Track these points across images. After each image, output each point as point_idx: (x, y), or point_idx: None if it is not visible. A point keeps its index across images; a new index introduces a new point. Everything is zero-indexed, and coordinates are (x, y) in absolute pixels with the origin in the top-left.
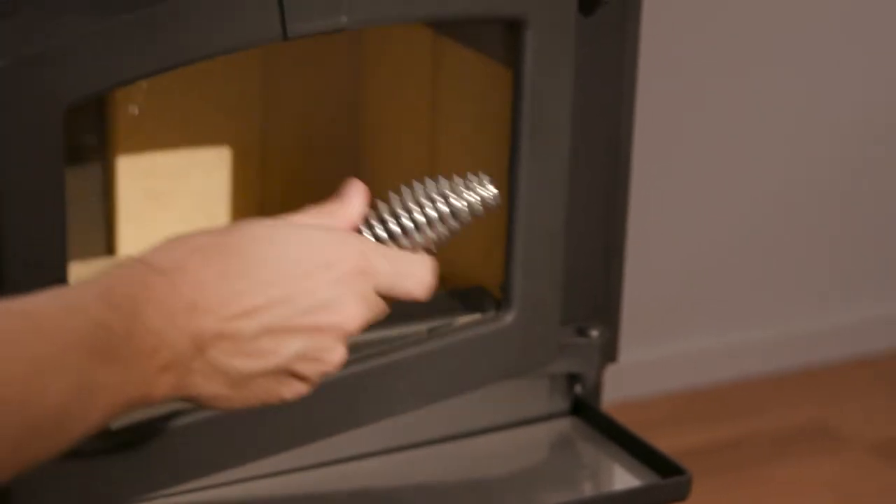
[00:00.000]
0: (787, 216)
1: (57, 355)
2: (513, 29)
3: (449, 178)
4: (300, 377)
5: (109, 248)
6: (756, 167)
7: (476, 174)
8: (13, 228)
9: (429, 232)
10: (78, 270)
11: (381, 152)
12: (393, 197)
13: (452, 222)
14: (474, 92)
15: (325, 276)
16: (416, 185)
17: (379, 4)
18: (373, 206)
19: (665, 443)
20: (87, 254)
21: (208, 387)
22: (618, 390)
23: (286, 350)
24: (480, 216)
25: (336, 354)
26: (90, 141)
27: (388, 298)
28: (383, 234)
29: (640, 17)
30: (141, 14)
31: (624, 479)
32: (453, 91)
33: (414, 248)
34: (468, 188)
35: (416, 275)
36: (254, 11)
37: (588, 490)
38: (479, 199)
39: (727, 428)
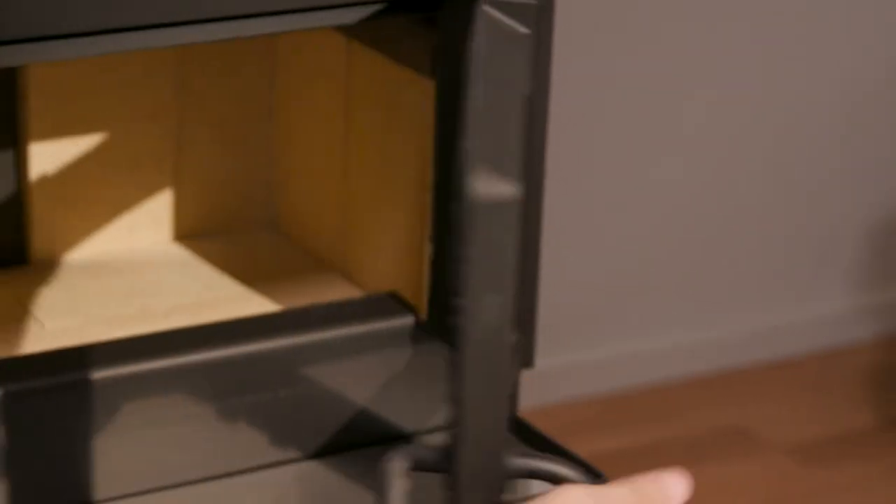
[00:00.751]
0: (702, 222)
1: None
2: (426, 32)
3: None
4: None
5: (21, 255)
6: (670, 173)
7: None
8: None
9: None
10: None
11: (295, 157)
12: None
13: None
14: (387, 97)
15: None
16: None
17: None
18: None
19: (583, 448)
20: None
21: None
22: (535, 396)
23: None
24: None
25: None
26: (1, 147)
27: None
28: None
29: (552, 31)
30: None
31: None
32: (366, 96)
33: None
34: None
35: None
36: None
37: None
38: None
39: (645, 432)
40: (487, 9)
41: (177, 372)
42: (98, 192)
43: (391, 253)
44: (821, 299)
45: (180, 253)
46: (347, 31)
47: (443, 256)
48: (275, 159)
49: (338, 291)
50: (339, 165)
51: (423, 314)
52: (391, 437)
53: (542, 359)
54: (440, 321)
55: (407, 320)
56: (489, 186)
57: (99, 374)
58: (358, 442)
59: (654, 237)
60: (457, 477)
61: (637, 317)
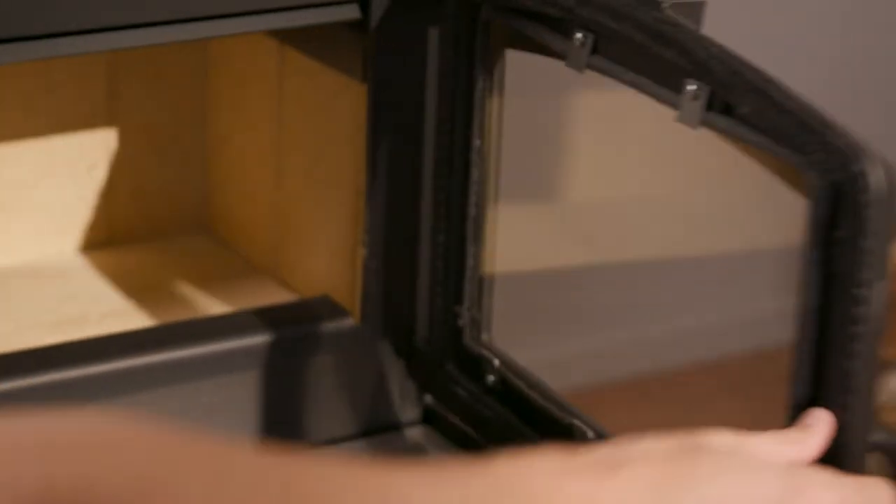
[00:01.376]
0: (627, 223)
1: None
2: (358, 36)
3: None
4: None
5: None
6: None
7: None
8: None
9: None
10: None
11: (228, 162)
12: None
13: None
14: (319, 102)
15: None
16: None
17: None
18: None
19: None
20: None
21: None
22: None
23: None
24: None
25: None
26: None
27: None
28: None
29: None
30: None
31: None
32: (298, 101)
33: None
34: None
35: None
36: None
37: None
38: None
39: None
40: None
41: (111, 377)
42: (30, 198)
43: (324, 257)
44: (754, 298)
45: (113, 258)
46: (279, 35)
47: (378, 260)
48: (207, 164)
49: (272, 295)
50: (271, 170)
51: (357, 317)
52: (326, 441)
53: None
54: (375, 323)
55: (341, 323)
56: (881, 177)
57: (30, 381)
58: (293, 445)
59: (578, 241)
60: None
61: (560, 319)
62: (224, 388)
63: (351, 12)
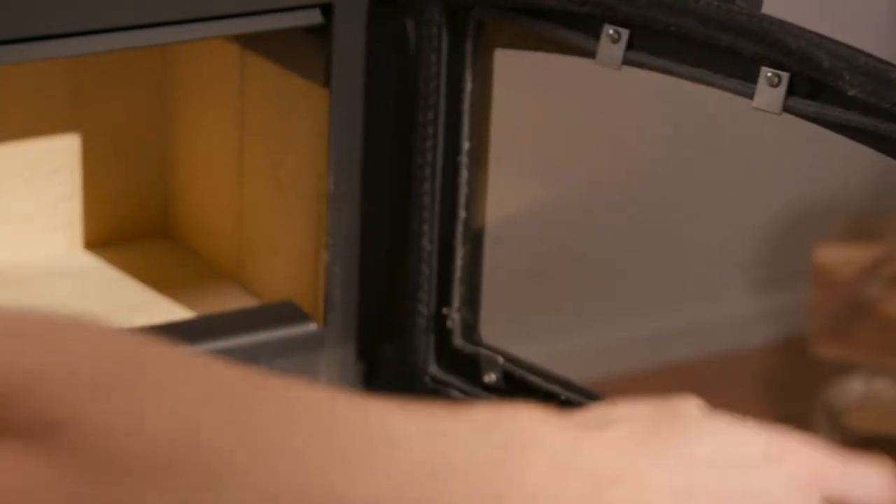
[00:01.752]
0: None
1: None
2: (319, 41)
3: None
4: None
5: None
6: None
7: None
8: None
9: None
10: None
11: (190, 166)
12: None
13: None
14: (281, 107)
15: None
16: None
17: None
18: None
19: None
20: None
21: None
22: None
23: None
24: None
25: None
26: None
27: None
28: None
29: None
30: None
31: None
32: (260, 106)
33: None
34: None
35: (873, 478)
36: None
37: None
38: None
39: None
40: None
41: None
42: None
43: (287, 262)
44: (714, 303)
45: (76, 263)
46: (241, 40)
47: (341, 265)
48: (170, 168)
49: (234, 300)
50: (234, 174)
51: (320, 322)
52: None
53: None
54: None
55: (303, 329)
56: None
57: None
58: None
59: (549, 243)
60: None
61: (537, 322)
62: None
63: (312, 17)
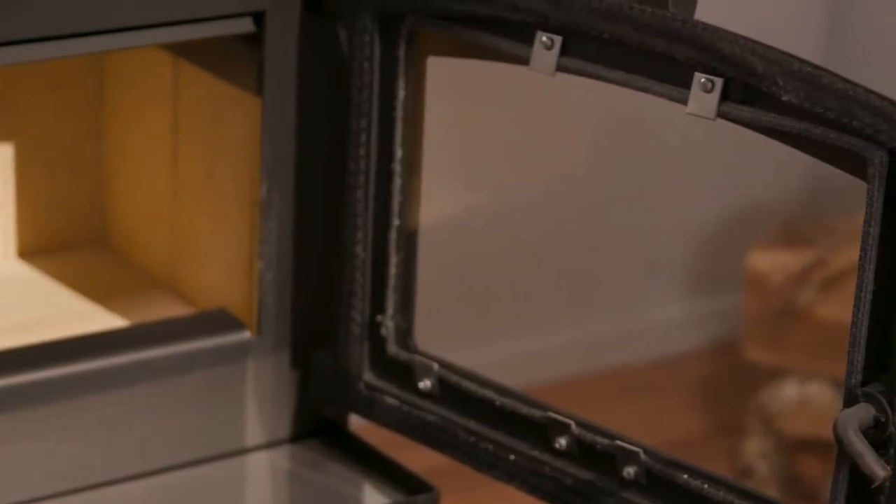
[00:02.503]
0: (534, 233)
1: None
2: (252, 50)
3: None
4: None
5: None
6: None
7: None
8: None
9: None
10: None
11: (125, 175)
12: None
13: None
14: (214, 115)
15: None
16: None
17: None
18: None
19: (418, 462)
20: None
21: None
22: None
23: None
24: None
25: None
26: None
27: None
28: None
29: None
30: None
31: (373, 498)
32: (194, 114)
33: None
34: None
35: None
36: None
37: None
38: None
39: None
40: None
41: (8, 391)
42: None
43: (221, 269)
44: (647, 308)
45: (10, 272)
46: (174, 48)
47: (275, 273)
48: (104, 177)
49: (168, 309)
50: (168, 183)
51: (254, 330)
52: (224, 454)
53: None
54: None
55: (237, 336)
56: None
57: None
58: (192, 458)
59: (482, 250)
60: None
61: (469, 329)
62: (120, 401)
63: (245, 25)
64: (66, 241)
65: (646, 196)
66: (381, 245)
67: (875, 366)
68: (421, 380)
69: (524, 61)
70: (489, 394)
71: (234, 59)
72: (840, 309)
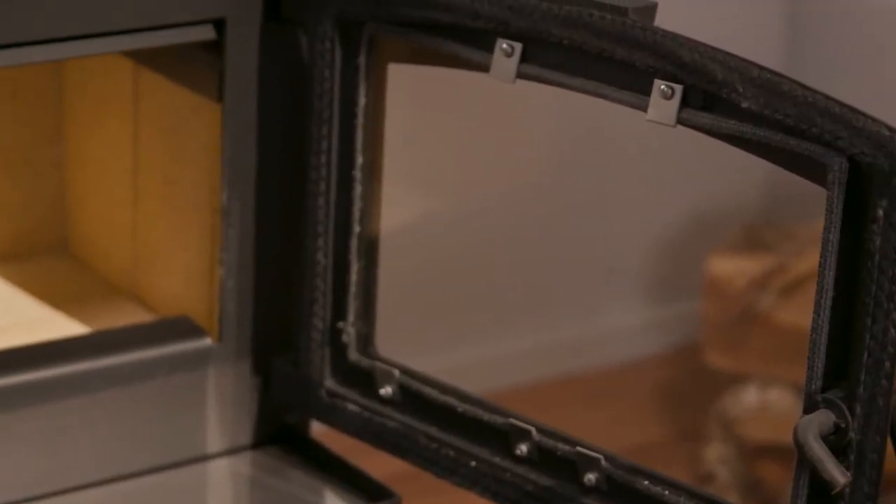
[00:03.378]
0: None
1: None
2: (212, 57)
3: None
4: None
5: None
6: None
7: None
8: None
9: None
10: None
11: (86, 182)
12: None
13: None
14: (175, 122)
15: None
16: None
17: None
18: None
19: (379, 469)
20: None
21: None
22: None
23: None
24: None
25: None
26: None
27: None
28: None
29: None
30: None
31: None
32: (154, 121)
33: None
34: None
35: None
36: None
37: None
38: None
39: None
40: None
41: None
42: None
43: (182, 276)
44: (608, 314)
45: None
46: (135, 56)
47: (236, 280)
48: (65, 184)
49: (130, 316)
50: (129, 190)
51: (215, 337)
52: (186, 460)
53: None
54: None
55: (198, 343)
56: None
57: None
58: (153, 465)
59: (443, 256)
60: None
61: (427, 335)
62: (82, 408)
63: (205, 33)
64: (26, 247)
65: (606, 202)
66: (342, 252)
67: (835, 372)
68: (382, 386)
69: (484, 68)
70: (450, 400)
71: (195, 66)
72: (800, 315)
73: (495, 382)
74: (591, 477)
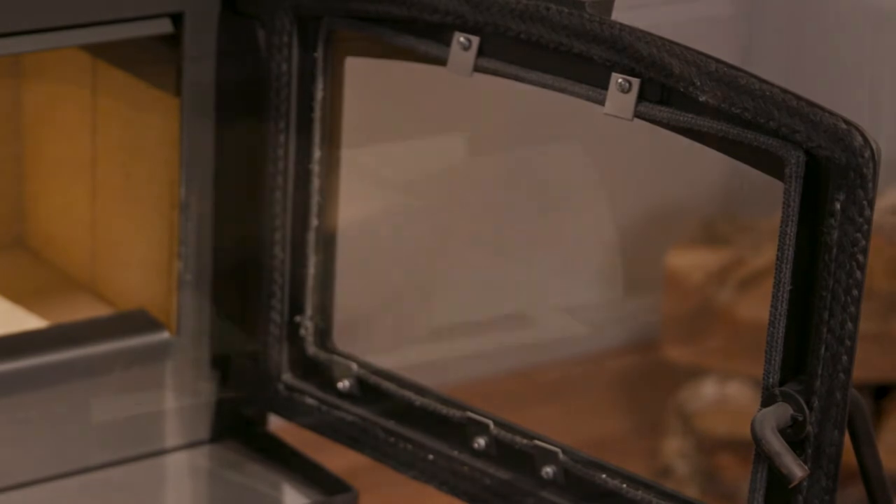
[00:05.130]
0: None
1: None
2: (170, 50)
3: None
4: None
5: None
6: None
7: None
8: None
9: None
10: None
11: (43, 175)
12: None
13: None
14: (133, 116)
15: None
16: None
17: None
18: None
19: (337, 462)
20: None
21: None
22: None
23: None
24: None
25: None
26: None
27: None
28: None
29: None
30: None
31: (292, 498)
32: (112, 115)
33: None
34: None
35: None
36: None
37: None
38: None
39: None
40: None
41: None
42: None
43: (140, 270)
44: (566, 308)
45: None
46: (92, 49)
47: (194, 274)
48: (23, 177)
49: (87, 309)
50: (86, 184)
51: (173, 330)
52: (144, 454)
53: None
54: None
55: (156, 337)
56: (876, 149)
57: None
58: (110, 459)
59: (400, 250)
60: None
61: (388, 328)
62: (39, 402)
63: (163, 26)
64: None
65: (563, 195)
66: (299, 246)
67: (792, 365)
68: (340, 380)
69: (442, 62)
70: (408, 394)
71: (153, 59)
72: (758, 308)
73: (453, 376)
74: (548, 470)
